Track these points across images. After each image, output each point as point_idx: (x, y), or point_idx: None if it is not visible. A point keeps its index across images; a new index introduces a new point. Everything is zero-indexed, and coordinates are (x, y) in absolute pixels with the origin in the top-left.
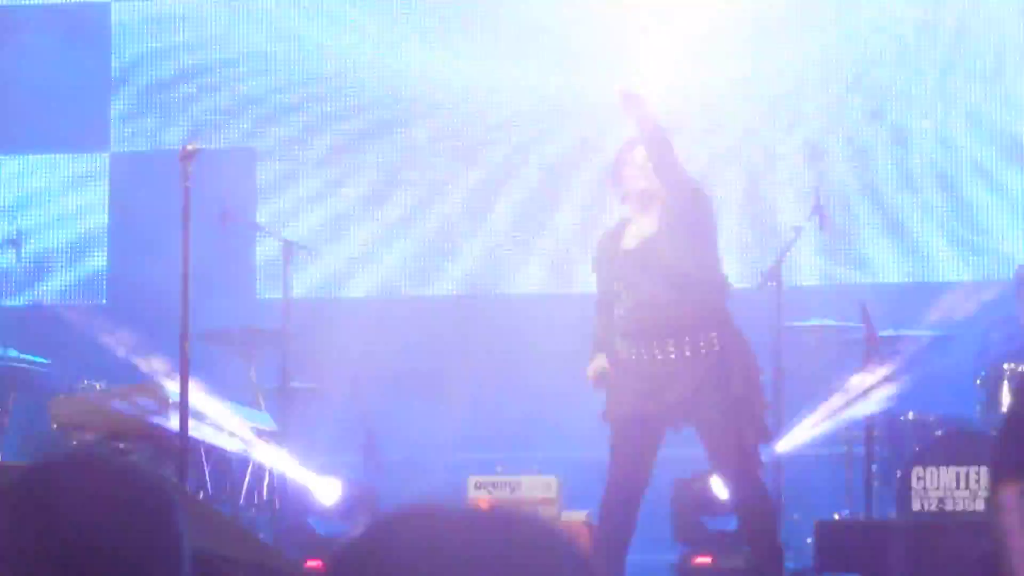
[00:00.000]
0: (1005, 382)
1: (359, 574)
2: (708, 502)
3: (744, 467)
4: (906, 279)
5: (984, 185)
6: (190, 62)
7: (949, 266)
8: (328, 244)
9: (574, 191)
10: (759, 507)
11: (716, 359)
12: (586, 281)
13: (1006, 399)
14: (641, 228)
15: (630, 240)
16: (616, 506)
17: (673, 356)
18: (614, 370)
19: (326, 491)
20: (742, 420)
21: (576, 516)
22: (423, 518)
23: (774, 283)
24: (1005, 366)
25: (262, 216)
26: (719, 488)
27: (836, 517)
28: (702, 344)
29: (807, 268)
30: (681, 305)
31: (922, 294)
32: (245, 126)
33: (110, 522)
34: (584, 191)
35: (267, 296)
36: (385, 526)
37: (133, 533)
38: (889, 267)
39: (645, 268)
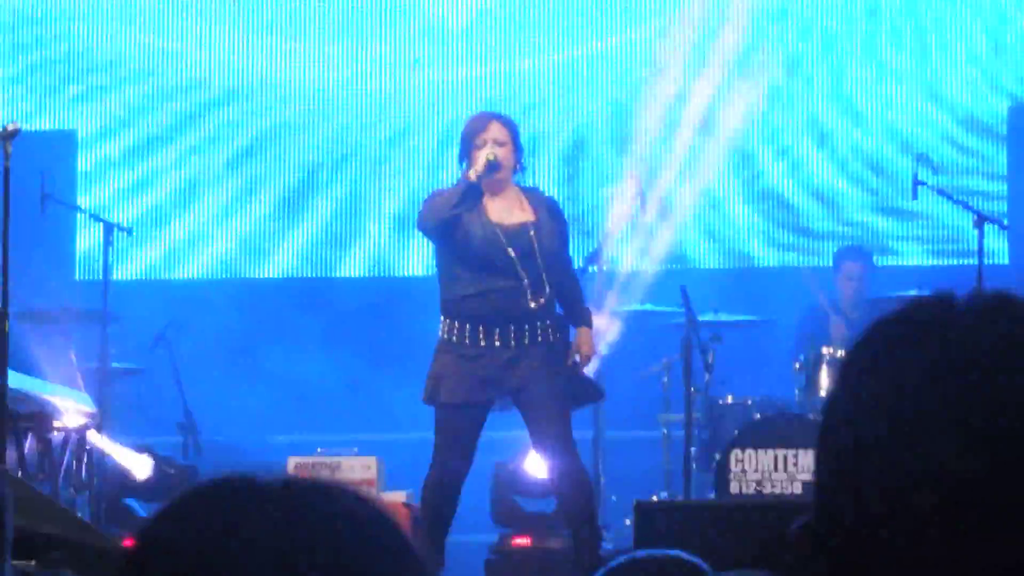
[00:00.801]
0: (824, 366)
1: (167, 545)
2: (525, 484)
3: (568, 448)
4: (728, 264)
5: (789, 170)
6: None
7: (771, 252)
8: (149, 227)
9: (393, 180)
10: (580, 488)
11: (550, 346)
12: (405, 267)
13: (824, 383)
14: (509, 213)
15: (498, 216)
16: (439, 488)
17: (513, 344)
18: (447, 355)
19: (139, 467)
20: (567, 403)
21: (396, 496)
22: (235, 488)
23: (595, 267)
24: (824, 350)
25: (83, 199)
26: (536, 470)
27: (655, 499)
28: (539, 332)
29: (630, 252)
30: (535, 294)
31: (743, 279)
32: (64, 108)
33: None
34: (401, 179)
35: (87, 278)
36: (195, 496)
37: None
38: (710, 253)
39: (516, 251)
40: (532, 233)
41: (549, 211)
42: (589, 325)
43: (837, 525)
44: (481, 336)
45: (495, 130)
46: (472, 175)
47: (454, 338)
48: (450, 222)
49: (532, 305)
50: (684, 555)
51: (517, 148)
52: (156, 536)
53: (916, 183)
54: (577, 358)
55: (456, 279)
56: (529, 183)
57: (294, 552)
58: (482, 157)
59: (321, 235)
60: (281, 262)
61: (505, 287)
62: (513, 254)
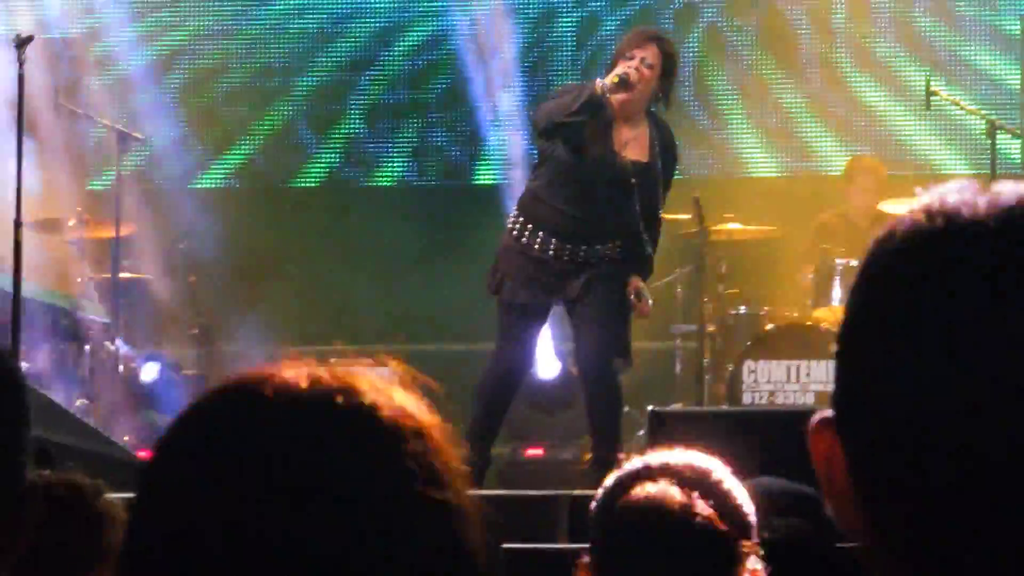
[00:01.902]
0: (836, 277)
1: (177, 456)
2: (537, 391)
3: (603, 367)
4: (742, 174)
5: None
6: None
7: (781, 160)
8: (163, 132)
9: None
10: (613, 402)
11: (614, 272)
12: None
13: (837, 294)
14: (629, 146)
15: (621, 145)
16: (493, 382)
17: (581, 257)
18: (514, 254)
19: (146, 372)
20: (614, 326)
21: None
22: (247, 394)
23: None
24: (835, 261)
25: (98, 107)
26: (546, 372)
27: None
28: (607, 260)
29: None
30: (614, 235)
31: (757, 188)
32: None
33: None
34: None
35: (99, 185)
36: (207, 403)
37: None
38: (724, 161)
39: (620, 183)
40: (638, 177)
41: (665, 154)
42: (645, 277)
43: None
44: (552, 247)
45: (650, 52)
46: (598, 87)
47: (524, 239)
48: (565, 127)
49: (608, 245)
50: (808, 491)
51: (666, 77)
52: (173, 444)
53: (929, 94)
54: (635, 300)
55: (550, 184)
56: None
57: (315, 461)
58: (618, 72)
59: (353, 142)
60: (306, 170)
61: (592, 216)
62: (612, 188)
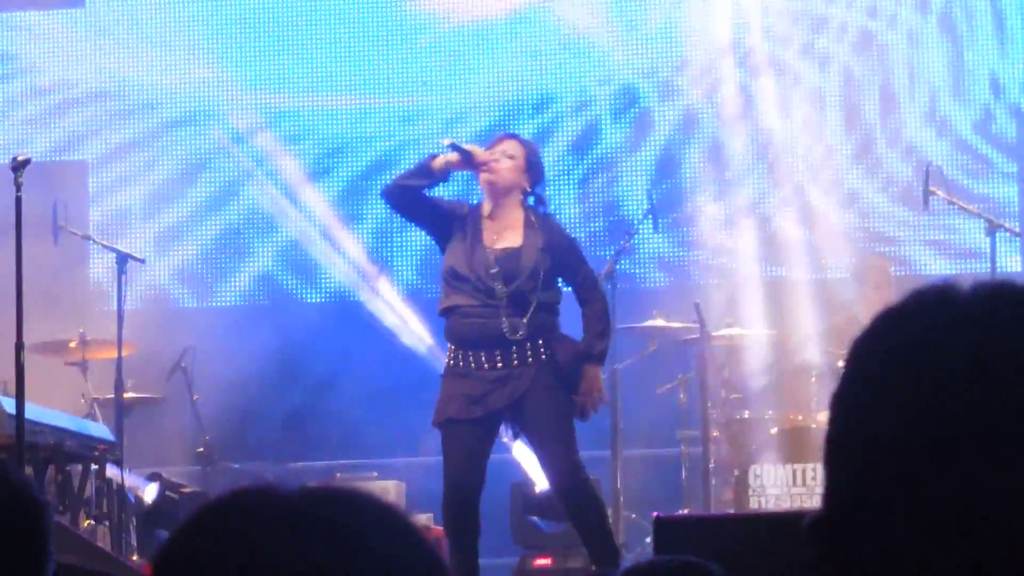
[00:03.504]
0: None
1: (182, 564)
2: (541, 503)
3: (568, 468)
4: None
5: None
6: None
7: (778, 264)
8: (157, 254)
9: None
10: (588, 507)
11: (541, 365)
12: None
13: None
14: (500, 236)
15: (490, 239)
16: (456, 508)
17: (500, 365)
18: (445, 377)
19: (147, 493)
20: (564, 420)
21: (417, 521)
22: (250, 500)
23: (610, 285)
24: (840, 364)
25: (94, 228)
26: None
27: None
28: (528, 353)
29: (645, 268)
30: (514, 322)
31: (757, 293)
32: (69, 137)
33: None
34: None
35: (101, 308)
36: (209, 512)
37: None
38: (728, 265)
39: (503, 274)
40: (519, 257)
41: (549, 234)
42: (595, 362)
43: (846, 516)
44: (468, 356)
45: (510, 145)
46: (438, 159)
47: (449, 360)
48: (401, 194)
49: (507, 333)
50: (696, 560)
51: (529, 170)
52: (171, 556)
53: (927, 193)
54: (581, 402)
55: (445, 299)
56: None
57: (310, 567)
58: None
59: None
60: (302, 287)
61: (483, 310)
62: (493, 278)
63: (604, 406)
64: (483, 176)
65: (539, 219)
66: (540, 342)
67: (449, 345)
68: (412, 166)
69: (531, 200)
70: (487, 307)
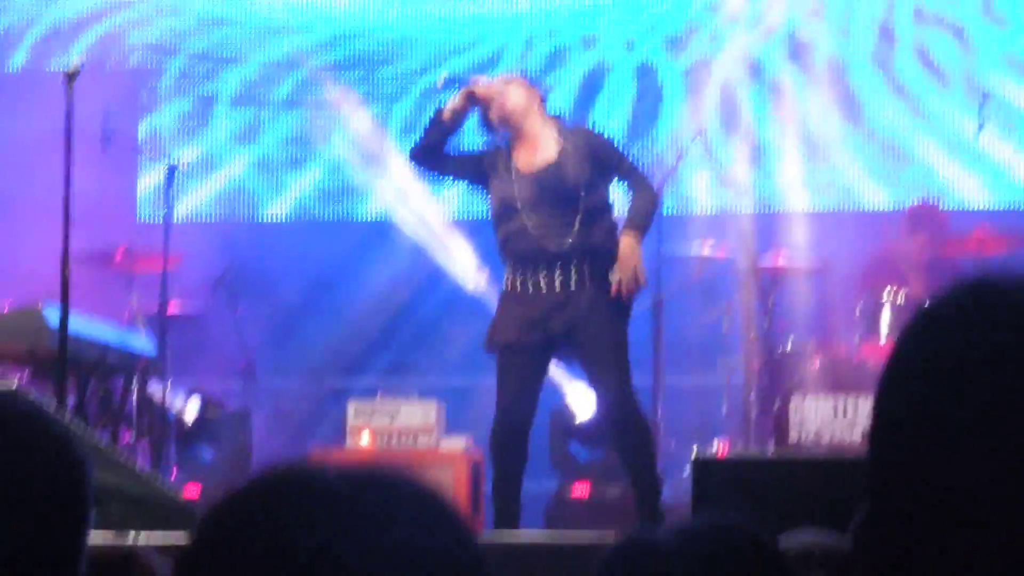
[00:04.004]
0: (884, 310)
1: (218, 546)
2: (579, 430)
3: (620, 395)
4: (788, 207)
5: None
6: None
7: (833, 196)
8: (206, 169)
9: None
10: (636, 437)
11: (599, 287)
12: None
13: (884, 328)
14: (531, 156)
15: (526, 164)
16: (507, 434)
17: (559, 286)
18: (502, 301)
19: (188, 411)
20: (619, 347)
21: (455, 443)
22: (290, 483)
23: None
24: (884, 295)
25: (144, 138)
26: (583, 414)
27: (715, 446)
28: (583, 275)
29: (692, 195)
30: (559, 236)
31: (804, 223)
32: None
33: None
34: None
35: (149, 219)
36: (247, 496)
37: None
38: (774, 195)
39: (543, 193)
40: (553, 172)
41: (577, 140)
42: (633, 234)
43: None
44: (526, 278)
45: (498, 77)
46: (445, 108)
47: (507, 285)
48: (425, 154)
49: (553, 247)
50: (740, 525)
51: (533, 86)
52: (208, 538)
53: (981, 123)
54: (612, 277)
55: (496, 226)
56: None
57: (347, 556)
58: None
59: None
60: (344, 204)
61: (528, 231)
62: (530, 198)
63: (644, 300)
64: (492, 112)
65: (568, 129)
66: (589, 263)
67: (507, 269)
68: (426, 125)
69: (551, 111)
70: (541, 226)
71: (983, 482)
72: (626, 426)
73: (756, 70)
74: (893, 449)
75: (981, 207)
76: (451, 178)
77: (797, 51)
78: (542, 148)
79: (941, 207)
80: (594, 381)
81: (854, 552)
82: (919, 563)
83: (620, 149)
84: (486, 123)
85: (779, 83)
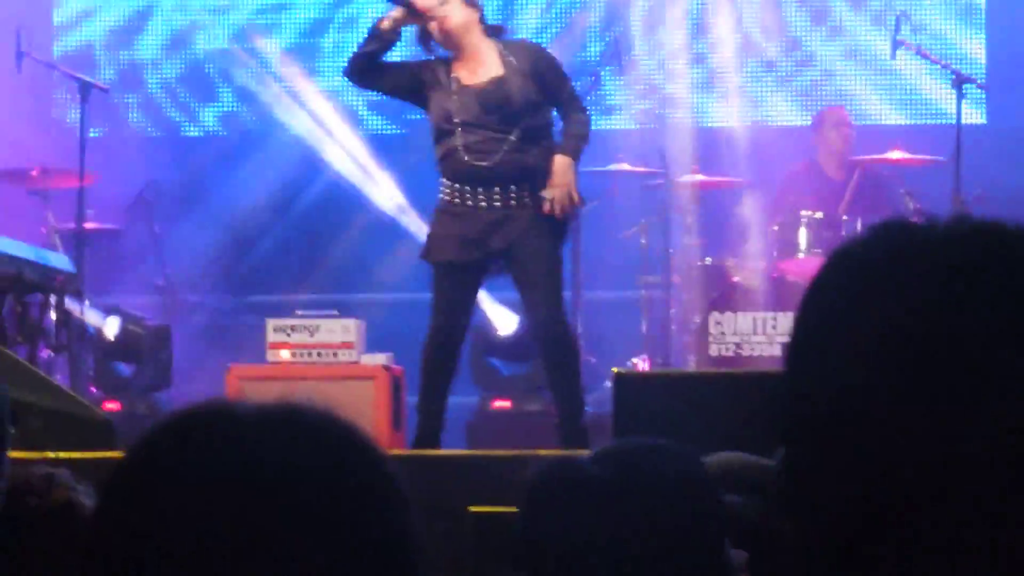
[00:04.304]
0: (802, 228)
1: (137, 486)
2: (500, 345)
3: (552, 310)
4: (705, 123)
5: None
6: None
7: (743, 111)
8: (123, 87)
9: None
10: (564, 350)
11: (539, 206)
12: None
13: (802, 244)
14: (473, 73)
15: (468, 78)
16: (438, 349)
17: (498, 204)
18: (439, 214)
19: (108, 327)
20: (554, 263)
21: (376, 359)
22: (206, 421)
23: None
24: (802, 212)
25: (59, 55)
26: (505, 329)
27: (634, 362)
28: (524, 193)
29: (611, 114)
30: (517, 153)
31: (721, 139)
32: None
33: None
34: None
35: (64, 136)
36: (166, 432)
37: None
38: (696, 113)
39: (485, 108)
40: (497, 88)
41: (527, 56)
42: (568, 154)
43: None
44: (465, 195)
45: None
46: (383, 20)
47: (444, 195)
48: (361, 66)
49: (488, 164)
50: (668, 444)
51: (470, 3)
52: (126, 474)
53: (895, 43)
54: (546, 195)
55: (436, 141)
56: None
57: (264, 491)
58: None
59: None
60: (266, 126)
61: (471, 146)
62: (470, 113)
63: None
64: (432, 25)
65: (510, 45)
66: (533, 181)
67: (443, 181)
68: (363, 38)
69: (490, 30)
70: (482, 142)
71: (888, 395)
72: (556, 342)
73: None
74: (808, 368)
75: (893, 123)
76: (386, 91)
77: None
78: (486, 64)
79: (844, 112)
80: (528, 298)
81: (779, 478)
82: (835, 481)
83: (564, 72)
84: (423, 38)
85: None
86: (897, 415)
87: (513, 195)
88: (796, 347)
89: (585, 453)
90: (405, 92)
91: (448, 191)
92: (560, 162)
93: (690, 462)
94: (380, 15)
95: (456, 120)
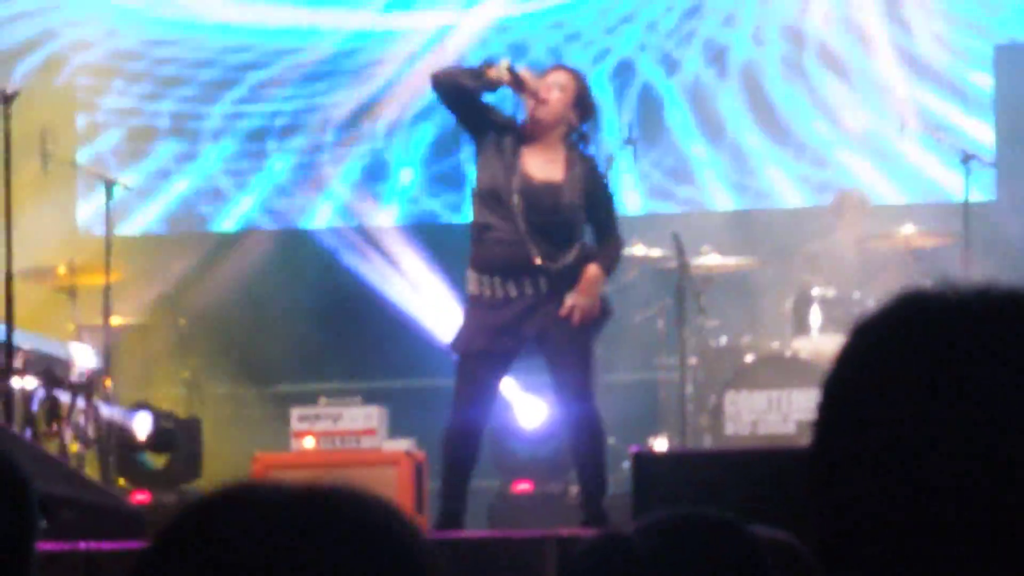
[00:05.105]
0: (814, 306)
1: (173, 559)
2: (522, 434)
3: (584, 396)
4: (724, 207)
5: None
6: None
7: (755, 194)
8: (151, 185)
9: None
10: (593, 436)
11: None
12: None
13: (815, 323)
14: (541, 168)
15: (531, 166)
16: (461, 436)
17: (530, 292)
18: (470, 305)
19: (139, 425)
20: (587, 351)
21: (399, 445)
22: (232, 505)
23: None
24: (814, 291)
25: (82, 157)
26: (527, 423)
27: (652, 442)
28: (557, 283)
29: (626, 198)
30: (548, 254)
31: (733, 222)
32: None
33: None
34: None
35: (90, 234)
36: (191, 518)
37: None
38: (708, 197)
39: (538, 206)
40: (556, 192)
41: (585, 171)
42: (603, 268)
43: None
44: (498, 285)
45: (562, 76)
46: (493, 70)
47: (475, 287)
48: (455, 89)
49: (538, 262)
50: (715, 515)
51: (578, 104)
52: (163, 549)
53: (903, 124)
54: (569, 300)
55: (477, 226)
56: None
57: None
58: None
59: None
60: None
61: (514, 238)
62: (531, 208)
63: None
64: (532, 106)
65: (581, 158)
66: (567, 278)
67: (472, 272)
68: (467, 65)
69: (574, 137)
70: (519, 235)
71: (921, 465)
72: (587, 426)
73: (676, 73)
74: (838, 442)
75: (897, 203)
76: (456, 115)
77: (714, 58)
78: (551, 162)
79: (862, 193)
80: (558, 377)
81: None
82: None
83: (612, 197)
84: (518, 103)
85: (699, 88)
86: (930, 486)
87: (543, 284)
88: (824, 423)
89: (627, 528)
90: (473, 128)
91: (477, 280)
92: (593, 272)
93: (739, 528)
94: (493, 58)
95: (503, 200)
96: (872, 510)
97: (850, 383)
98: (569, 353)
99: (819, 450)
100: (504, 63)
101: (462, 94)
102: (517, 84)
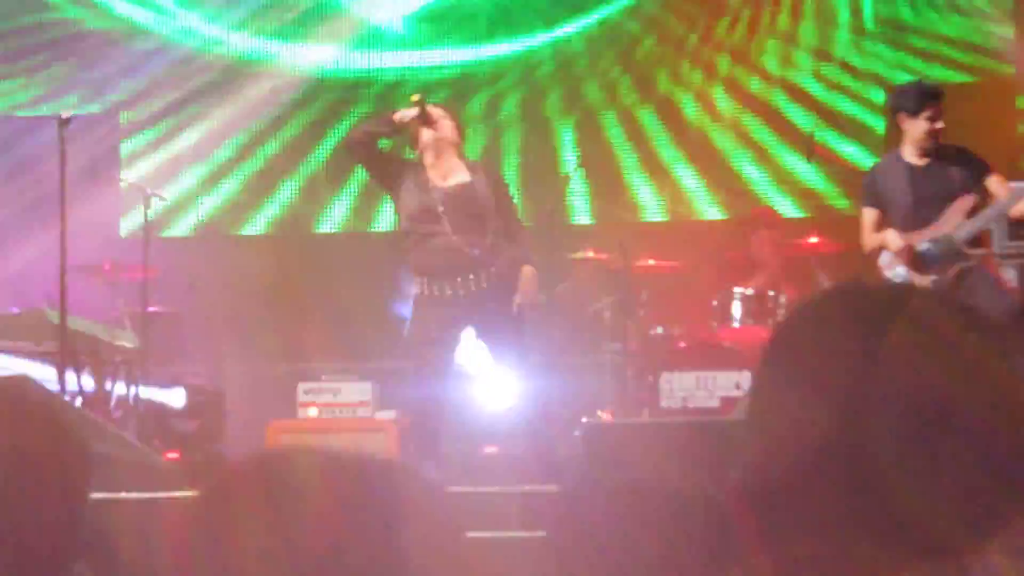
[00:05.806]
0: (736, 301)
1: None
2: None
3: (522, 369)
4: (663, 218)
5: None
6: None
7: (685, 208)
8: (181, 194)
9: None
10: (531, 406)
11: (505, 286)
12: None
13: (736, 315)
14: (445, 177)
15: (439, 179)
16: (428, 405)
17: (472, 288)
18: (418, 306)
19: (175, 398)
20: (520, 327)
21: (386, 414)
22: (282, 459)
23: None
24: (735, 289)
25: (126, 171)
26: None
27: (600, 414)
28: (494, 274)
29: (580, 209)
30: (472, 244)
31: (667, 231)
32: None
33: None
34: None
35: (131, 236)
36: (245, 469)
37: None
38: (648, 208)
39: (459, 205)
40: (472, 190)
41: (489, 173)
42: (533, 266)
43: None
44: (436, 285)
45: (433, 109)
46: (397, 113)
47: (422, 289)
48: (361, 145)
49: (468, 251)
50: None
51: (458, 130)
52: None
53: (811, 148)
54: (516, 299)
55: (406, 239)
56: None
57: None
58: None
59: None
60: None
61: (445, 241)
62: (450, 210)
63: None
64: (433, 133)
65: (476, 164)
66: (493, 268)
67: (416, 277)
68: (372, 119)
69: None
70: (449, 237)
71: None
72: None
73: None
74: (774, 408)
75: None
76: (373, 171)
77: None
78: (455, 173)
79: (773, 208)
80: (499, 355)
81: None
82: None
83: (511, 196)
84: (414, 140)
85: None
86: (856, 449)
87: (484, 280)
88: (761, 391)
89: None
90: (384, 174)
91: (422, 283)
92: (530, 273)
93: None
94: (390, 108)
95: (438, 210)
96: (806, 455)
97: (789, 356)
98: (509, 342)
99: (758, 406)
100: (415, 97)
101: (372, 145)
102: (423, 115)
